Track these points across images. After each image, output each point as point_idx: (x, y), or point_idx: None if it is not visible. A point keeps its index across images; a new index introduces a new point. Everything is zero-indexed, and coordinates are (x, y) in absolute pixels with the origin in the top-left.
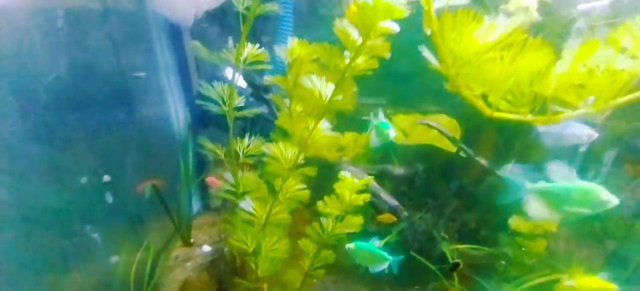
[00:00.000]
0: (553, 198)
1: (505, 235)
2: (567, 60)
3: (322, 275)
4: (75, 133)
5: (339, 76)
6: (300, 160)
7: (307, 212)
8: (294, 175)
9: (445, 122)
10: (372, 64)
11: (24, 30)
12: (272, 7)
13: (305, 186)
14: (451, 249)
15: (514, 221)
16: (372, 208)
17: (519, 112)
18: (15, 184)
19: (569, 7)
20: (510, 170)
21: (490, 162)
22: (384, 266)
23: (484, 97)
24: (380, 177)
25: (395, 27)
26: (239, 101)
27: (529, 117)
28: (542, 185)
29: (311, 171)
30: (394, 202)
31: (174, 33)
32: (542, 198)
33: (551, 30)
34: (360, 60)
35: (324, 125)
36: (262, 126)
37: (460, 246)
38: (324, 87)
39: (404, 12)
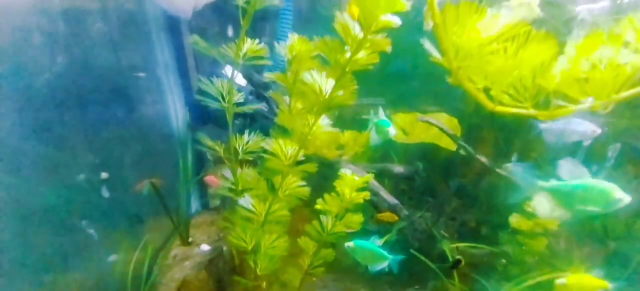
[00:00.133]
0: (564, 197)
1: (506, 233)
2: (570, 53)
3: (321, 273)
4: (72, 131)
5: (339, 71)
6: (300, 156)
7: (306, 210)
8: (293, 171)
9: (445, 121)
10: (373, 58)
11: (21, 26)
12: (273, 1)
13: (305, 183)
14: (451, 248)
15: (515, 220)
16: (371, 207)
17: (522, 106)
18: (13, 182)
19: (570, 6)
20: (511, 169)
21: (491, 161)
22: (384, 264)
23: (487, 91)
24: (380, 175)
25: (396, 20)
26: (238, 97)
27: (531, 111)
28: (553, 183)
29: (311, 167)
30: (393, 201)
31: (173, 27)
32: (554, 196)
33: (553, 27)
34: (361, 54)
35: (324, 121)
36: (262, 124)
37: (460, 245)
38: (325, 83)
39: (405, 5)
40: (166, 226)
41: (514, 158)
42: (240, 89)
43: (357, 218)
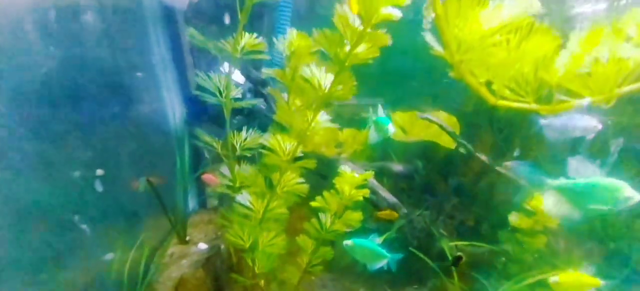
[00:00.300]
0: (574, 195)
1: (505, 231)
2: (573, 47)
3: (320, 272)
4: (67, 128)
5: (339, 65)
6: (299, 153)
7: (304, 209)
8: (292, 168)
9: (444, 119)
10: (373, 52)
11: (16, 23)
12: None
13: (303, 180)
14: (450, 246)
15: (514, 218)
16: (370, 205)
17: (524, 100)
18: (7, 180)
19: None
20: (515, 168)
21: (490, 159)
22: (383, 263)
23: (488, 86)
24: (379, 174)
25: (397, 13)
26: (236, 92)
27: (533, 106)
28: (562, 181)
29: (310, 164)
30: (392, 199)
31: (170, 21)
32: (563, 195)
33: (553, 23)
34: (361, 48)
35: (323, 117)
36: (260, 122)
37: (459, 244)
38: (324, 77)
39: None
40: (163, 225)
41: (516, 152)
42: (238, 86)
43: (357, 216)
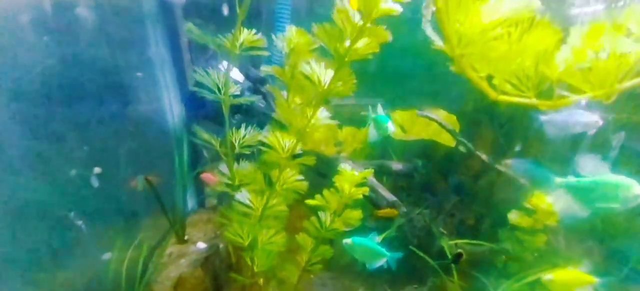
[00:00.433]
0: (582, 193)
1: (505, 230)
2: (574, 40)
3: (319, 270)
4: (65, 127)
5: (338, 60)
6: (298, 151)
7: (304, 207)
8: (291, 165)
9: (443, 117)
10: (373, 47)
11: (13, 21)
12: None
13: (302, 177)
14: (450, 245)
15: (514, 216)
16: (370, 204)
17: (525, 95)
18: (4, 178)
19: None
20: (511, 165)
21: (490, 157)
22: (382, 262)
23: (489, 81)
24: (379, 172)
25: (397, 8)
26: (235, 90)
27: (534, 101)
28: (571, 179)
29: (309, 160)
30: (392, 198)
31: (168, 16)
32: (571, 193)
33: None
34: (361, 43)
35: (323, 114)
36: (259, 120)
37: (459, 242)
38: (323, 73)
39: None
40: (162, 224)
41: (518, 147)
42: (237, 84)
43: (356, 215)
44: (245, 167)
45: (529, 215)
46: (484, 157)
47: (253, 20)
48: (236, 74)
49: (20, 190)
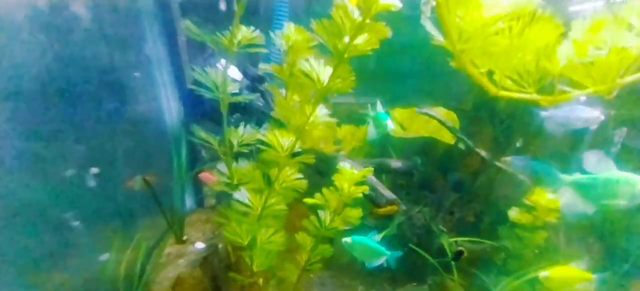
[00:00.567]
0: (588, 191)
1: (505, 227)
2: (575, 34)
3: (319, 269)
4: (61, 127)
5: (337, 56)
6: (297, 148)
7: (303, 206)
8: (290, 163)
9: (443, 115)
10: (372, 43)
11: (8, 20)
12: None
13: (302, 176)
14: (450, 243)
15: (514, 213)
16: (369, 203)
17: (526, 91)
18: (1, 178)
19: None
20: (510, 162)
21: (490, 155)
22: (382, 260)
23: (490, 76)
24: (378, 170)
25: (397, 3)
26: (233, 88)
27: (535, 96)
28: (576, 177)
29: (308, 159)
30: (391, 196)
31: (165, 15)
32: (578, 191)
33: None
34: (360, 39)
35: (322, 111)
36: (258, 118)
37: (459, 240)
38: (322, 70)
39: None
40: (160, 224)
41: (518, 144)
42: (235, 82)
43: (356, 213)
44: (244, 165)
45: (529, 212)
46: (483, 154)
47: (251, 17)
48: (234, 72)
49: (15, 190)
